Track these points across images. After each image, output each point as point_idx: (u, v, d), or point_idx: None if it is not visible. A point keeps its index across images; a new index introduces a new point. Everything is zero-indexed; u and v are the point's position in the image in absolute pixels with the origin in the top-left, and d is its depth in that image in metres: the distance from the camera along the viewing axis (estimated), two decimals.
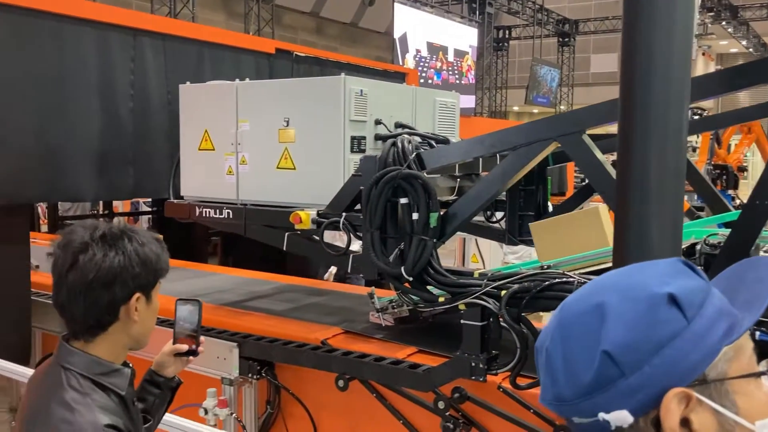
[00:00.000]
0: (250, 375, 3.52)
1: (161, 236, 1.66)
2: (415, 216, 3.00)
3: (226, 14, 19.84)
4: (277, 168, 3.65)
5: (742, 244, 2.36)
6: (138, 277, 1.52)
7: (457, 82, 19.00)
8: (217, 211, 3.80)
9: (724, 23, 23.35)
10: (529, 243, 4.29)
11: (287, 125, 3.61)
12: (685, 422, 0.82)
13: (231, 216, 3.75)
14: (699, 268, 0.92)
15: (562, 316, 0.91)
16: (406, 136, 3.37)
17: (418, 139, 3.47)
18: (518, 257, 6.81)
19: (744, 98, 21.00)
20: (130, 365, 1.65)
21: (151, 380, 1.88)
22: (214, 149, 3.88)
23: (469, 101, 19.28)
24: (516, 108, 29.66)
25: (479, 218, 4.32)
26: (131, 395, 1.58)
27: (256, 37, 13.38)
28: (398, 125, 3.71)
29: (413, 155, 3.09)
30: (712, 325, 0.83)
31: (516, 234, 4.17)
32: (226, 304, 4.26)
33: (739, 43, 26.11)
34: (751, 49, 26.17)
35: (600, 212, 3.18)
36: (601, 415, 0.84)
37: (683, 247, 2.95)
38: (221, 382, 3.53)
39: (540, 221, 3.47)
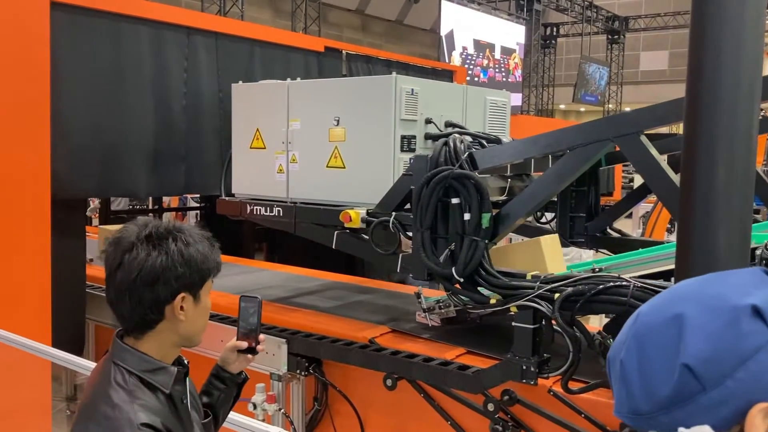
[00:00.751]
0: (298, 371, 3.55)
1: (210, 235, 1.65)
2: (466, 216, 2.98)
3: (273, 12, 20.05)
4: (327, 167, 3.67)
5: None
6: (182, 277, 1.52)
7: (504, 79, 18.82)
8: (268, 208, 3.83)
9: None
10: (580, 244, 4.24)
11: (337, 124, 3.63)
12: None
13: (281, 214, 3.78)
14: None
15: (638, 326, 0.88)
16: (457, 135, 3.34)
17: (469, 138, 3.44)
18: (568, 259, 6.69)
19: None
20: (185, 362, 1.66)
21: (217, 375, 1.90)
22: (265, 148, 3.92)
23: (515, 99, 19.06)
24: (562, 106, 29.24)
25: (529, 218, 4.27)
26: (180, 394, 1.59)
27: (305, 35, 13.48)
28: (449, 124, 3.69)
29: (465, 155, 3.06)
30: None
31: (567, 235, 4.12)
32: (274, 300, 4.30)
33: None
34: None
35: (542, 244, 3.29)
36: (681, 430, 0.81)
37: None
38: (270, 377, 3.56)
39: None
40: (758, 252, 2.84)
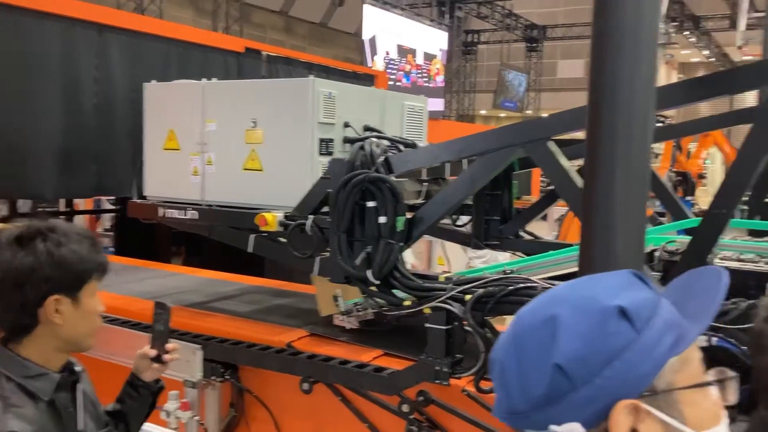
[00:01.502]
0: (213, 378, 3.49)
1: (94, 234, 1.60)
2: (382, 219, 3.01)
3: (194, 11, 19.62)
4: (244, 169, 3.62)
5: (701, 251, 2.42)
6: (51, 279, 1.45)
7: (426, 84, 19.08)
8: (182, 211, 3.75)
9: (686, 33, 23.87)
10: (495, 247, 4.35)
11: (255, 126, 3.59)
12: None
13: (196, 217, 3.71)
14: (650, 279, 0.93)
15: (516, 328, 0.91)
16: (374, 139, 3.37)
17: (387, 142, 3.48)
18: (484, 261, 6.84)
19: (704, 106, 21.42)
20: (77, 369, 1.60)
21: (131, 383, 1.85)
22: (179, 149, 3.84)
23: (437, 104, 19.37)
24: (484, 112, 29.91)
25: (446, 221, 4.35)
26: (65, 401, 1.53)
27: (225, 35, 13.26)
28: (367, 128, 3.71)
29: (381, 159, 3.09)
30: (660, 337, 0.84)
31: (481, 238, 4.21)
32: (189, 305, 4.21)
33: (701, 52, 26.71)
34: (712, 59, 26.80)
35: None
36: (553, 428, 0.84)
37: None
38: (184, 384, 3.48)
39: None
40: (657, 254, 2.99)
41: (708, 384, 0.87)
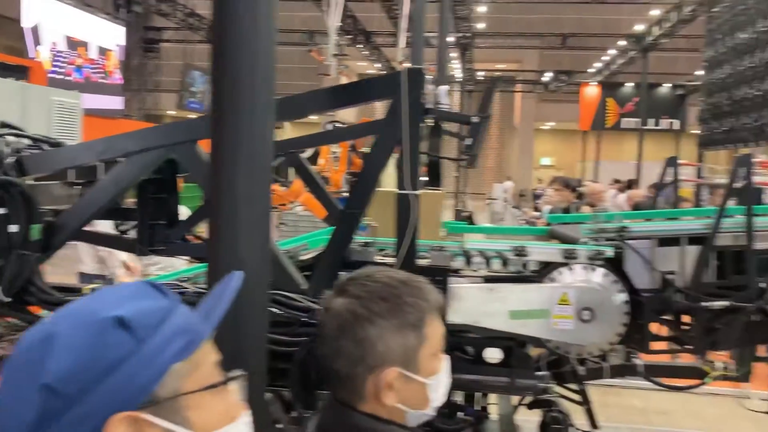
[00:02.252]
0: None
1: None
2: (13, 228, 2.68)
3: None
4: None
5: (338, 247, 2.60)
6: None
7: (102, 81, 17.73)
8: None
9: (359, 46, 25.94)
10: (162, 252, 4.18)
11: None
12: None
13: None
14: (168, 289, 0.92)
15: (15, 350, 0.85)
16: (9, 138, 3.00)
17: (27, 141, 3.12)
18: (160, 268, 6.57)
19: (380, 111, 23.48)
20: None
21: None
22: None
23: (116, 102, 18.16)
24: (173, 112, 28.90)
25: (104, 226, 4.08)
26: None
27: None
28: (3, 125, 3.29)
29: (11, 159, 2.76)
30: (166, 344, 0.83)
31: (146, 243, 4.02)
32: None
33: (373, 65, 29.27)
34: (383, 72, 29.52)
35: None
36: None
37: (317, 254, 3.14)
38: None
39: None
40: None
41: (214, 386, 0.88)
